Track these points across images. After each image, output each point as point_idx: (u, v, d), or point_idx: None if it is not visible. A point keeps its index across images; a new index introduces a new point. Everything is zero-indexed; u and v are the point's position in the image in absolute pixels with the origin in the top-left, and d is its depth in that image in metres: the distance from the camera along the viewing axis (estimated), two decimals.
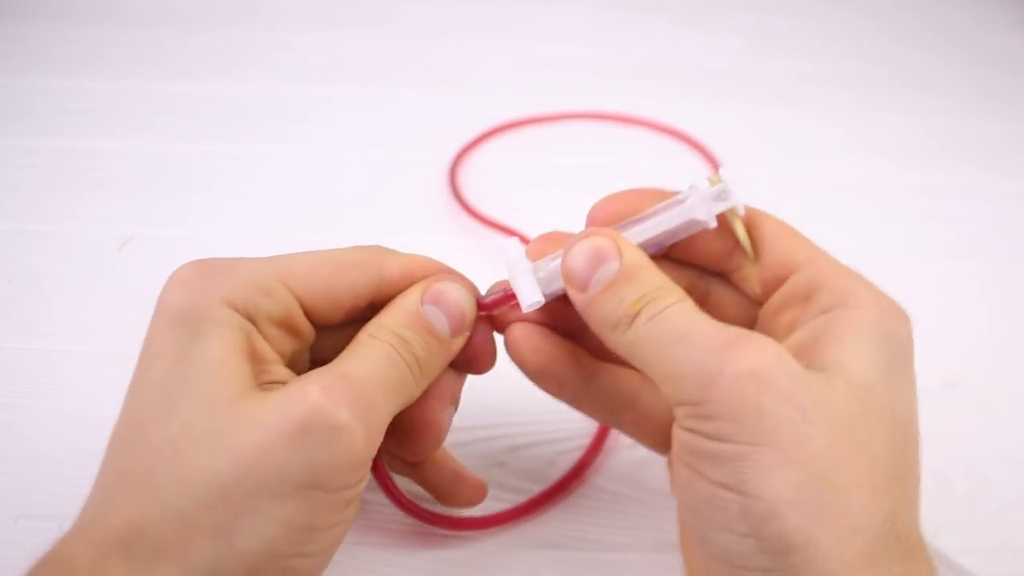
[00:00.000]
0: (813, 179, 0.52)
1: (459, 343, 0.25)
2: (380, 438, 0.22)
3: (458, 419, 0.29)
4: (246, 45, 0.61)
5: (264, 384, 0.22)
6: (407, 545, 0.30)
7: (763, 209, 0.26)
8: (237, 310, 0.22)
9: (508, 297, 0.25)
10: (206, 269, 0.23)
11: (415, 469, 0.28)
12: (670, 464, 0.27)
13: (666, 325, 0.22)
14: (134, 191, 0.46)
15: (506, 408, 0.35)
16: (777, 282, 0.25)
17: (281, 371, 0.23)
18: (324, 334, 0.25)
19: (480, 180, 0.49)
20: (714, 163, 0.52)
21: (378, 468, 0.26)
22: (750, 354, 0.20)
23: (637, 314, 0.22)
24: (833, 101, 0.61)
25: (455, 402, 0.27)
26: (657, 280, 0.23)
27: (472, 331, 0.25)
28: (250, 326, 0.22)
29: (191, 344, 0.21)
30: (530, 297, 0.24)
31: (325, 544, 0.22)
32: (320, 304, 0.24)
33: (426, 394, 0.25)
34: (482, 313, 0.26)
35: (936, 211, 0.50)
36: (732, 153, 0.53)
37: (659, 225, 0.24)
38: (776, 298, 0.25)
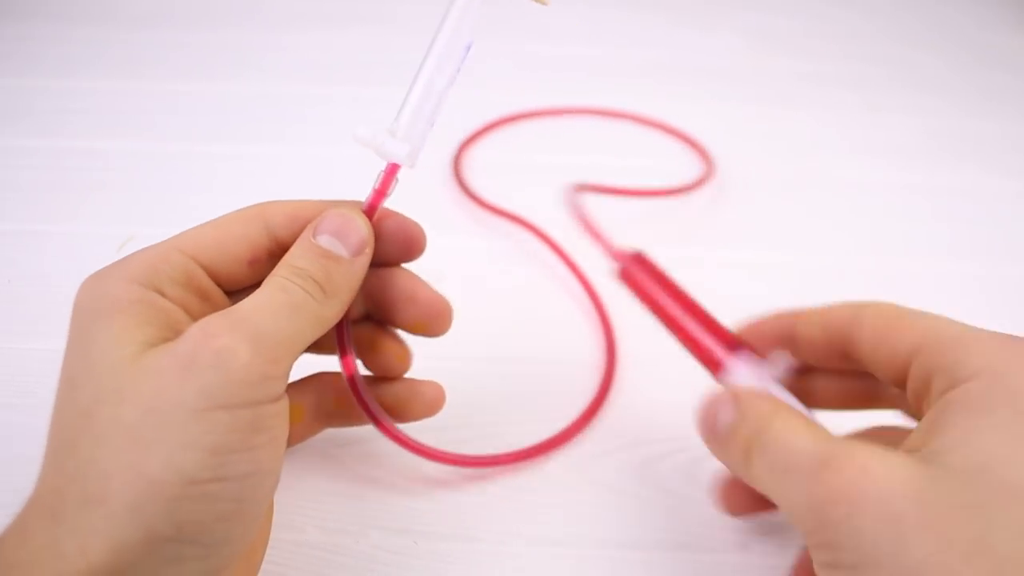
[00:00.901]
0: (812, 179, 0.52)
1: (363, 260, 0.26)
2: (279, 353, 0.23)
3: (454, 418, 0.29)
4: (246, 45, 0.61)
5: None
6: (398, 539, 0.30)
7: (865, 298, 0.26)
8: (138, 282, 0.23)
9: (388, 174, 0.26)
10: (106, 267, 0.24)
11: (386, 393, 0.29)
12: None
13: (773, 454, 0.22)
14: (134, 191, 0.46)
15: (502, 406, 0.35)
16: (902, 378, 0.24)
17: None
18: (243, 296, 0.26)
19: (482, 178, 0.49)
20: (709, 161, 0.52)
21: (382, 425, 0.28)
22: (838, 473, 0.20)
23: (751, 449, 0.23)
24: (833, 101, 0.61)
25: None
26: (766, 406, 0.23)
27: (378, 235, 0.27)
28: (154, 294, 0.23)
29: (92, 326, 0.23)
30: (400, 151, 0.26)
31: (244, 468, 0.21)
32: (218, 260, 0.25)
33: (411, 287, 0.28)
34: (375, 212, 0.27)
35: (935, 211, 0.50)
36: (732, 153, 0.53)
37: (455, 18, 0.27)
38: (910, 395, 0.24)
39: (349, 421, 0.30)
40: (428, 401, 0.30)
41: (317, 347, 0.28)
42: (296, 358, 0.24)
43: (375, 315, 0.29)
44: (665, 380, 0.35)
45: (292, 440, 0.29)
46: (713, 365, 0.29)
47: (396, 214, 0.28)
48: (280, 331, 0.23)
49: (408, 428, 0.29)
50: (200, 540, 0.21)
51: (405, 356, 0.30)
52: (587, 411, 0.35)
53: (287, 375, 0.23)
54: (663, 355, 0.37)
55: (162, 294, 0.24)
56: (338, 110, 0.54)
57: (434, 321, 0.29)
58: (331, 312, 0.25)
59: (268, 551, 0.27)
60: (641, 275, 0.32)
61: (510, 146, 0.53)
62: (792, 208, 0.49)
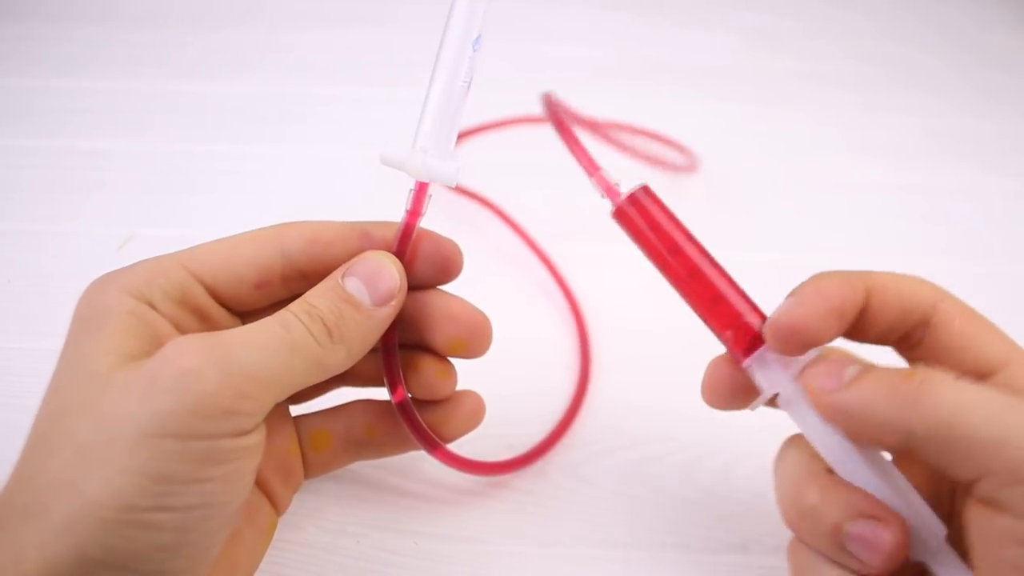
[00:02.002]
0: (812, 179, 0.52)
1: (386, 312, 0.24)
2: (254, 393, 0.21)
3: None
4: (246, 45, 0.61)
5: None
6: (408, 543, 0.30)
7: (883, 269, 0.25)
8: (130, 294, 0.23)
9: (419, 193, 0.25)
10: (109, 273, 0.24)
11: (425, 412, 0.28)
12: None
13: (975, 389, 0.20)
14: (134, 191, 0.46)
15: (504, 409, 0.35)
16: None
17: None
18: (249, 318, 0.26)
19: (481, 178, 0.49)
20: (691, 156, 0.52)
21: (439, 450, 0.27)
22: None
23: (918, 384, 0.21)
24: (832, 101, 0.61)
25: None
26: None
27: (412, 258, 0.26)
28: (145, 308, 0.23)
29: (82, 334, 0.22)
30: (446, 170, 0.25)
31: (189, 500, 0.20)
32: (223, 281, 0.25)
33: (445, 304, 0.27)
34: (411, 235, 0.26)
35: (935, 211, 0.50)
36: (731, 153, 0.53)
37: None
38: None
39: (381, 452, 0.29)
40: (468, 412, 0.28)
41: (357, 380, 0.28)
42: (280, 398, 0.22)
43: (407, 340, 0.28)
44: (645, 381, 0.36)
45: (318, 470, 0.29)
46: (741, 346, 0.24)
47: (431, 234, 0.26)
48: (261, 366, 0.21)
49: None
50: (135, 568, 0.20)
51: (448, 373, 0.28)
52: (569, 409, 0.35)
53: (263, 412, 0.22)
54: (640, 354, 0.37)
55: (153, 307, 0.23)
56: (339, 110, 0.54)
57: (474, 339, 0.27)
58: (334, 359, 0.23)
59: (268, 551, 0.27)
60: (653, 212, 0.25)
61: (507, 149, 0.52)
62: (791, 208, 0.50)
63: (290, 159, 0.50)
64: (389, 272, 0.24)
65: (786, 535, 0.31)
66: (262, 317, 0.25)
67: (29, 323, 0.37)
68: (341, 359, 0.24)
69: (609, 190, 0.26)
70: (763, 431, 0.34)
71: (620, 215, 0.26)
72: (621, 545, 0.30)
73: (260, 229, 0.26)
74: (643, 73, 0.62)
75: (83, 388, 0.21)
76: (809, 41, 0.69)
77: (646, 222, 0.25)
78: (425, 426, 0.27)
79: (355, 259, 0.25)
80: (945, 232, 0.48)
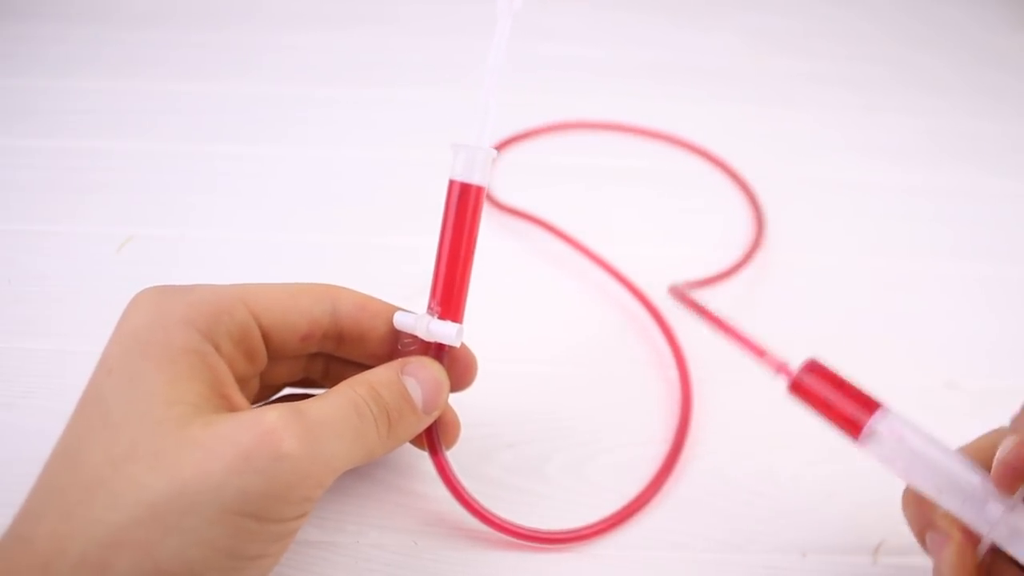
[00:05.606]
0: (813, 179, 0.52)
1: (428, 420, 0.26)
2: (327, 480, 0.22)
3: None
4: (246, 45, 0.61)
5: (218, 408, 0.22)
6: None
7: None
8: (198, 329, 0.23)
9: (438, 347, 0.27)
10: (168, 291, 0.24)
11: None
12: None
13: None
14: (134, 191, 0.46)
15: (502, 407, 0.35)
16: None
17: (236, 396, 0.23)
18: (275, 364, 0.26)
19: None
20: (723, 165, 0.52)
21: (459, 493, 0.28)
22: None
23: None
24: (833, 101, 0.61)
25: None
26: None
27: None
28: (209, 347, 0.23)
29: (142, 364, 0.22)
30: (448, 331, 0.26)
31: (250, 574, 0.21)
32: (277, 326, 0.25)
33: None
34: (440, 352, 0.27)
35: (936, 211, 0.50)
36: (732, 153, 0.53)
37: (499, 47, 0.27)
38: None
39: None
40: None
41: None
42: None
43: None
44: (642, 382, 0.35)
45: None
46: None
47: (463, 349, 0.28)
48: (340, 457, 0.22)
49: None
50: None
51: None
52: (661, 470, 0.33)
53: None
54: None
55: (217, 348, 0.23)
56: (339, 111, 0.54)
57: (460, 375, 0.28)
58: (382, 451, 0.25)
59: None
60: (822, 388, 0.27)
61: (511, 152, 0.52)
62: (792, 208, 0.49)
63: (289, 159, 0.50)
64: (442, 386, 0.26)
65: (785, 535, 0.31)
66: (287, 366, 0.26)
67: (29, 323, 0.37)
68: (386, 451, 0.25)
69: (781, 369, 0.28)
70: (762, 431, 0.34)
71: (796, 390, 0.27)
72: (620, 544, 0.30)
73: (312, 284, 0.26)
74: (643, 73, 0.62)
75: (149, 434, 0.20)
76: (809, 41, 0.69)
77: (821, 393, 0.27)
78: (470, 493, 0.28)
79: (413, 361, 0.26)
80: (948, 233, 0.48)
